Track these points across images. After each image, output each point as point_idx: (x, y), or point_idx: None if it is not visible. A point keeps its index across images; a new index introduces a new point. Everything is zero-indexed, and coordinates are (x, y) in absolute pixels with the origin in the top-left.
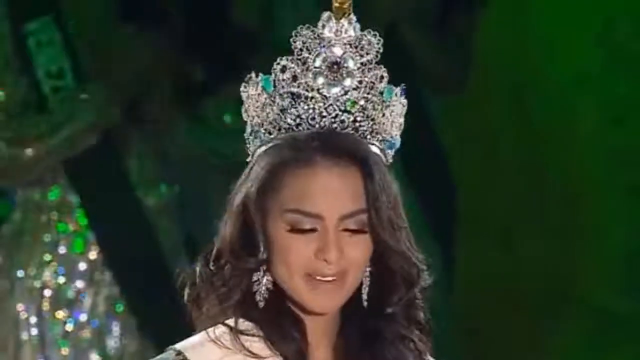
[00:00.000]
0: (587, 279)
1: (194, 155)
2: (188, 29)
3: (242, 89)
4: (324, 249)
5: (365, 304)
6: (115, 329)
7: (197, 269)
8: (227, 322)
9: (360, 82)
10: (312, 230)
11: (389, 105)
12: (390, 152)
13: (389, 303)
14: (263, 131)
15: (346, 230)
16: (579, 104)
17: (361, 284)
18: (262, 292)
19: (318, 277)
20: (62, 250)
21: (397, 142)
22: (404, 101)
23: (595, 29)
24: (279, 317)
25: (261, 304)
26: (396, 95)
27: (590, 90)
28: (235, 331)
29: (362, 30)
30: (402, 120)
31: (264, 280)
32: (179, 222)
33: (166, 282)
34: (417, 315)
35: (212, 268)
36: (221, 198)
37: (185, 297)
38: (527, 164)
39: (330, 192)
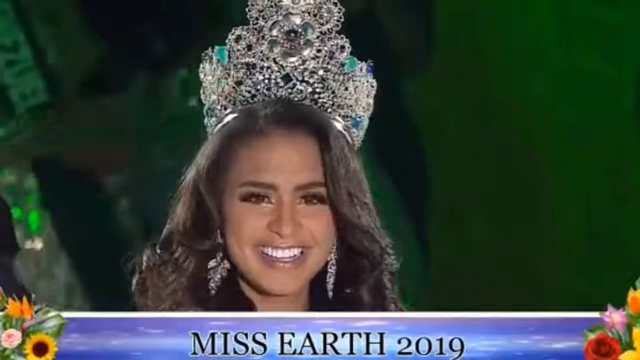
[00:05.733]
0: (546, 260)
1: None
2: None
3: (200, 68)
4: (277, 221)
5: (330, 294)
6: None
7: (145, 256)
8: None
9: (319, 51)
10: (267, 202)
11: (351, 79)
12: (356, 132)
13: (351, 284)
14: (219, 108)
15: (303, 202)
16: (534, 76)
17: (326, 272)
18: (216, 280)
19: (274, 255)
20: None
21: (364, 122)
22: (373, 81)
23: None
24: (229, 307)
25: (213, 292)
26: (361, 69)
27: (546, 62)
28: None
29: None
30: (370, 101)
31: (220, 268)
32: (139, 204)
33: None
34: (387, 306)
35: (160, 254)
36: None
37: (132, 285)
38: (481, 139)
39: (285, 162)
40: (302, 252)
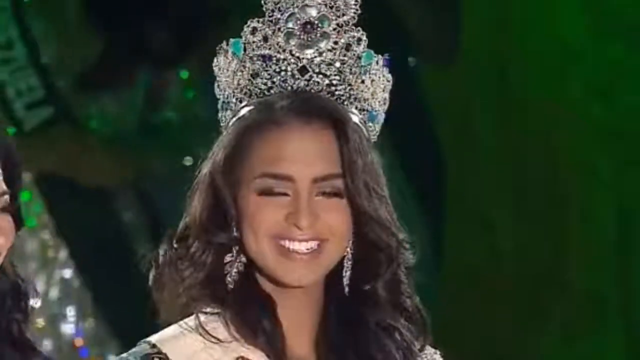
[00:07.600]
0: (574, 263)
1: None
2: None
3: (214, 62)
4: (295, 213)
5: (346, 289)
6: (70, 313)
7: (162, 250)
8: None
9: (335, 43)
10: (284, 194)
11: (368, 72)
12: (372, 126)
13: (368, 279)
14: (234, 101)
15: (320, 194)
16: (564, 75)
17: (342, 267)
18: (233, 274)
19: (291, 247)
20: None
21: (380, 117)
22: (389, 76)
23: None
24: (248, 302)
25: (230, 286)
26: (377, 63)
27: (576, 61)
28: (201, 327)
29: None
30: (386, 95)
31: (236, 263)
32: (141, 199)
33: (125, 263)
34: (403, 301)
35: (177, 248)
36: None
37: (150, 280)
38: (509, 141)
39: (302, 153)
40: (319, 245)
